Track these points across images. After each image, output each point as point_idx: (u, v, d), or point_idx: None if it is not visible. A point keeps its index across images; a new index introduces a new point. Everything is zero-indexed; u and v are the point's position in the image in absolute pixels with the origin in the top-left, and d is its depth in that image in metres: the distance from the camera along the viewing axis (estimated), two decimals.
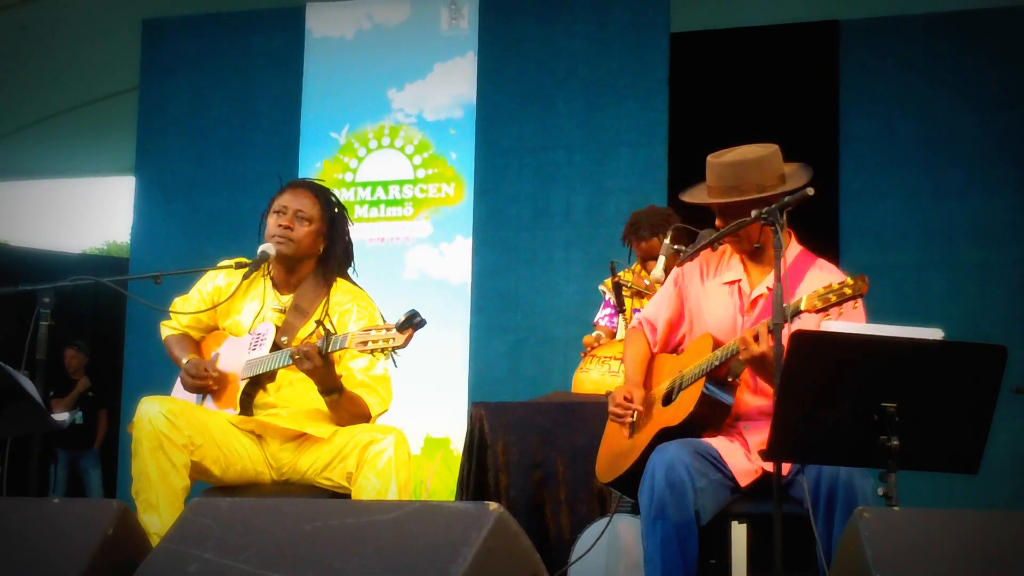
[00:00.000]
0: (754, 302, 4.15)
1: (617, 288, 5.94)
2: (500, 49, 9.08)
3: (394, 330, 4.06)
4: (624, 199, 7.89)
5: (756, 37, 9.25)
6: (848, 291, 3.61)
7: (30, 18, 10.24)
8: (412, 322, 4.04)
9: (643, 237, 6.23)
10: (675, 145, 8.54)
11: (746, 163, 4.09)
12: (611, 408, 4.23)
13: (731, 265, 4.27)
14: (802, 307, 3.68)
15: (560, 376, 7.61)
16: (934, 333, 3.34)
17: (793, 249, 4.18)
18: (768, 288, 4.10)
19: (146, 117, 9.96)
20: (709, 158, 4.17)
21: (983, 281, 8.12)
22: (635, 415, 4.18)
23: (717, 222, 4.21)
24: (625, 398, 4.18)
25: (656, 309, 4.46)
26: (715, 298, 4.24)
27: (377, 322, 4.52)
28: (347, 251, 4.72)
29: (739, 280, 4.21)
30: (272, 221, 4.57)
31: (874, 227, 8.37)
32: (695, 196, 4.25)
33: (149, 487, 4.19)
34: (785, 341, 3.51)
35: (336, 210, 4.69)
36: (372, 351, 4.09)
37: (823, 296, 3.63)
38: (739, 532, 5.31)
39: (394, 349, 4.08)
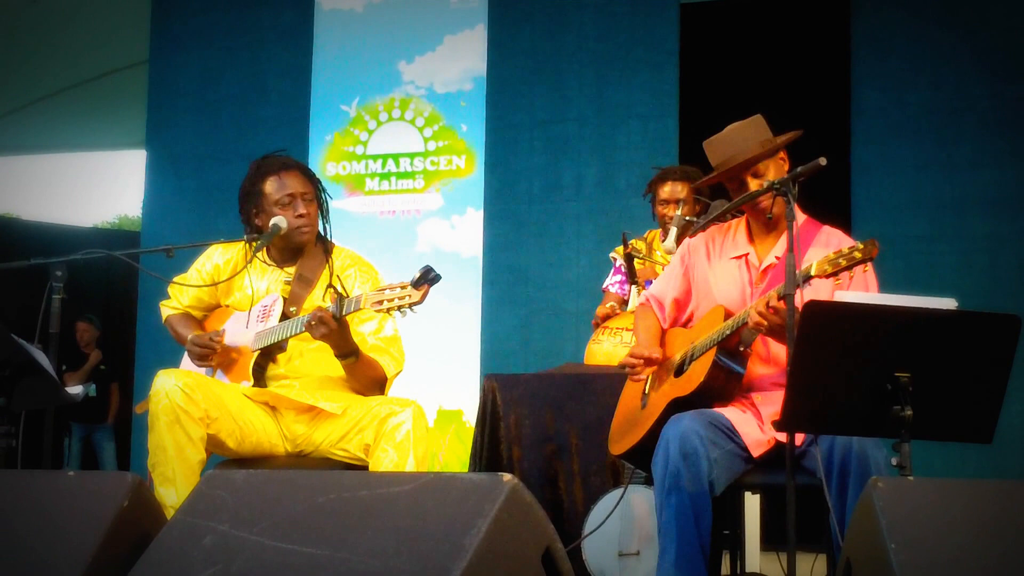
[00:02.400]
0: (763, 272, 4.16)
1: (628, 258, 5.93)
2: (510, 21, 9.05)
3: (409, 287, 4.05)
4: (635, 172, 7.86)
5: (767, 7, 9.20)
6: (858, 255, 3.60)
7: None
8: (427, 278, 4.02)
9: (666, 177, 6.21)
10: (686, 117, 8.52)
11: (740, 127, 4.18)
12: (626, 360, 4.22)
13: (737, 239, 4.28)
14: (812, 272, 3.68)
15: (571, 348, 7.62)
16: (948, 303, 3.34)
17: (799, 217, 4.17)
18: (777, 257, 4.11)
19: (156, 90, 9.95)
20: (704, 144, 4.23)
21: (994, 253, 8.08)
22: (648, 374, 4.18)
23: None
24: (638, 353, 4.19)
25: (663, 287, 4.47)
26: (723, 273, 4.25)
27: (382, 283, 4.54)
28: (327, 217, 4.75)
29: (747, 254, 4.22)
30: (285, 213, 4.54)
31: (885, 199, 8.33)
32: (705, 177, 4.29)
33: (165, 460, 4.20)
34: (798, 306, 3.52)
35: (317, 178, 4.73)
36: (388, 310, 4.07)
37: (833, 261, 3.63)
38: (752, 503, 5.33)
39: (411, 306, 4.06)
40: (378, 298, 4.08)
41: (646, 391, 4.28)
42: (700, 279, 4.31)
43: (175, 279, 4.78)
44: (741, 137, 4.17)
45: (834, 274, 3.64)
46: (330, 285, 4.29)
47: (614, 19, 8.86)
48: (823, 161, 3.86)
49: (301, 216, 4.53)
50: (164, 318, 4.85)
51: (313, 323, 4.21)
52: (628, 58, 8.80)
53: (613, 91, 8.81)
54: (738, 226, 4.31)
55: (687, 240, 4.50)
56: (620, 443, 4.32)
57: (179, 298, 4.80)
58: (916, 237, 8.09)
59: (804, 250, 4.01)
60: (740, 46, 9.06)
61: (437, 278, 4.03)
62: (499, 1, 9.06)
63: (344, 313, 4.19)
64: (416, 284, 4.03)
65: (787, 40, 8.98)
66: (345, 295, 4.21)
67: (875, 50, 8.45)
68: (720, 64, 8.99)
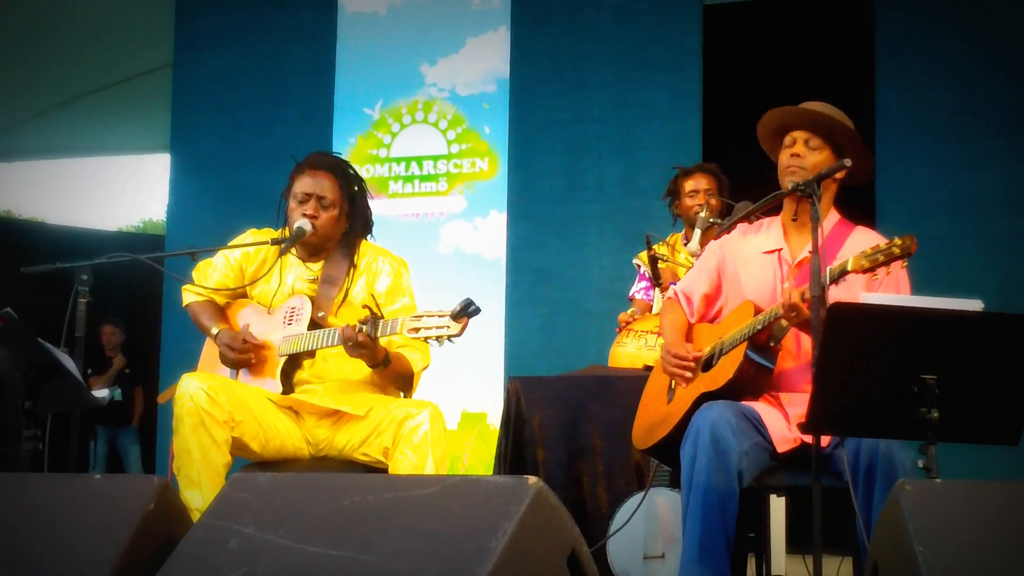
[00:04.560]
0: (798, 266, 4.14)
1: (653, 261, 5.93)
2: (532, 23, 9.05)
3: (447, 317, 4.04)
4: (657, 172, 7.83)
5: (789, 7, 9.18)
6: (896, 250, 3.58)
7: None
8: (467, 311, 4.01)
9: (688, 172, 6.26)
10: (708, 117, 8.51)
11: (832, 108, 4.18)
12: (672, 361, 4.18)
13: (770, 235, 4.26)
14: (849, 267, 3.67)
15: (594, 349, 7.60)
16: (974, 304, 3.32)
17: (832, 217, 4.17)
18: (810, 252, 4.10)
19: (180, 94, 9.97)
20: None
21: (1017, 252, 8.02)
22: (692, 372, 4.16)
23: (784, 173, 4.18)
24: (687, 352, 4.16)
25: (693, 282, 4.44)
26: (755, 268, 4.23)
27: (403, 281, 4.56)
28: (367, 224, 4.73)
29: (780, 249, 4.20)
30: (294, 208, 4.57)
31: (907, 197, 8.29)
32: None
33: (191, 463, 4.21)
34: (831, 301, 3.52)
35: (355, 187, 4.69)
36: (425, 339, 4.09)
37: (870, 256, 3.61)
38: (778, 505, 5.31)
39: (449, 338, 4.07)
40: (415, 324, 4.08)
41: (672, 386, 4.26)
42: (731, 274, 4.29)
43: (198, 265, 4.78)
44: (825, 107, 4.18)
45: (871, 269, 3.62)
46: (366, 306, 4.27)
47: (635, 19, 8.85)
48: (848, 162, 3.87)
49: (307, 216, 4.54)
50: (185, 303, 4.82)
51: (350, 344, 4.22)
52: (649, 58, 8.78)
53: (635, 91, 8.80)
54: (771, 223, 4.30)
55: (719, 236, 4.48)
56: (646, 438, 4.30)
57: (204, 280, 4.77)
58: (938, 236, 8.05)
59: (837, 250, 3.99)
60: (763, 46, 9.05)
61: (477, 311, 4.03)
62: (521, 3, 9.06)
63: (379, 335, 4.20)
64: (456, 316, 4.03)
65: (810, 39, 8.97)
66: (380, 315, 4.21)
67: (898, 49, 8.42)
68: (743, 64, 8.98)
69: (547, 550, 2.65)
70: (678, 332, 4.35)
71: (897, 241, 3.60)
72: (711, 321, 4.36)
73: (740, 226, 4.37)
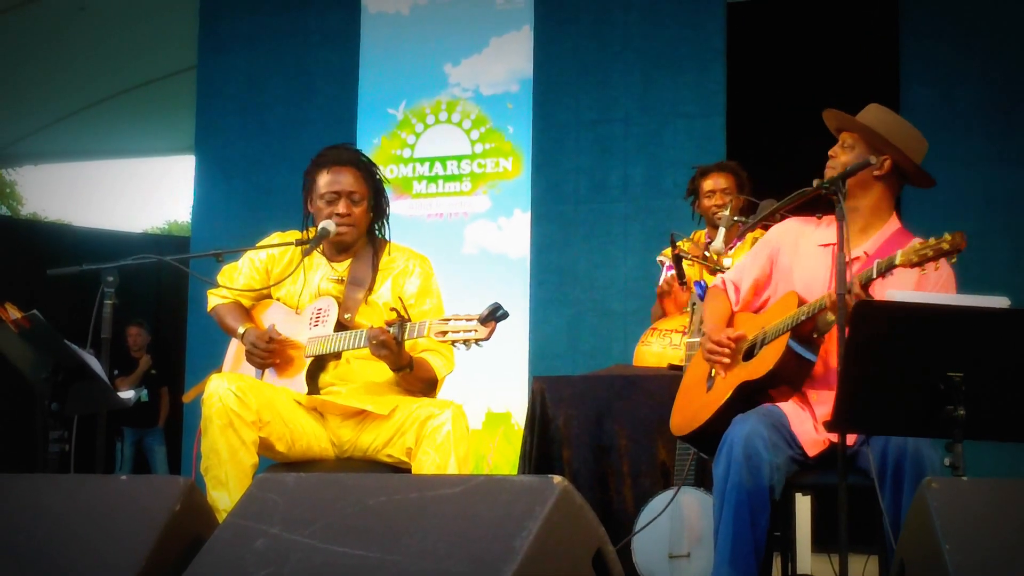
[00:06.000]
0: (848, 266, 4.13)
1: (677, 259, 5.91)
2: (555, 22, 9.03)
3: (475, 322, 4.05)
4: (682, 171, 7.81)
5: (814, 6, 9.16)
6: (945, 246, 3.57)
7: None
8: (495, 315, 4.02)
9: (707, 171, 6.25)
10: (733, 116, 8.49)
11: (906, 123, 4.19)
12: (707, 347, 4.17)
13: (831, 229, 4.24)
14: (897, 261, 3.65)
15: (619, 349, 7.60)
16: (1000, 301, 3.31)
17: (892, 224, 4.16)
18: (866, 253, 4.08)
19: (205, 96, 9.99)
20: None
21: None
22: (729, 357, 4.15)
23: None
24: (726, 338, 4.15)
25: (743, 269, 4.42)
26: (809, 260, 4.21)
27: (433, 283, 4.56)
28: (386, 217, 4.75)
29: (835, 243, 4.19)
30: (325, 208, 4.57)
31: (935, 195, 8.20)
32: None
33: (219, 464, 4.22)
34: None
35: (377, 178, 4.72)
36: (453, 342, 4.10)
37: (919, 251, 3.59)
38: (803, 504, 5.30)
39: (477, 342, 4.08)
40: (442, 328, 4.10)
41: (711, 374, 4.25)
42: (784, 265, 4.27)
43: (223, 269, 4.79)
44: (901, 129, 4.19)
45: (919, 264, 3.60)
46: (393, 308, 4.27)
47: (660, 18, 8.83)
48: (874, 159, 3.85)
49: (340, 216, 4.55)
50: (211, 307, 4.84)
51: (374, 343, 4.24)
52: (674, 57, 8.76)
53: (659, 90, 8.78)
54: (832, 218, 4.28)
55: (776, 225, 4.44)
56: (683, 426, 4.28)
57: (229, 283, 4.78)
58: (967, 233, 8.01)
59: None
60: (787, 44, 9.03)
61: (505, 315, 4.05)
62: (545, 2, 9.04)
63: (406, 338, 4.20)
64: (484, 321, 4.03)
65: (835, 38, 8.94)
66: (407, 318, 4.22)
67: (923, 45, 8.38)
68: (767, 63, 8.96)
69: (572, 549, 2.65)
70: (719, 319, 4.33)
71: (947, 236, 3.58)
72: (756, 311, 4.34)
73: (798, 219, 4.35)
